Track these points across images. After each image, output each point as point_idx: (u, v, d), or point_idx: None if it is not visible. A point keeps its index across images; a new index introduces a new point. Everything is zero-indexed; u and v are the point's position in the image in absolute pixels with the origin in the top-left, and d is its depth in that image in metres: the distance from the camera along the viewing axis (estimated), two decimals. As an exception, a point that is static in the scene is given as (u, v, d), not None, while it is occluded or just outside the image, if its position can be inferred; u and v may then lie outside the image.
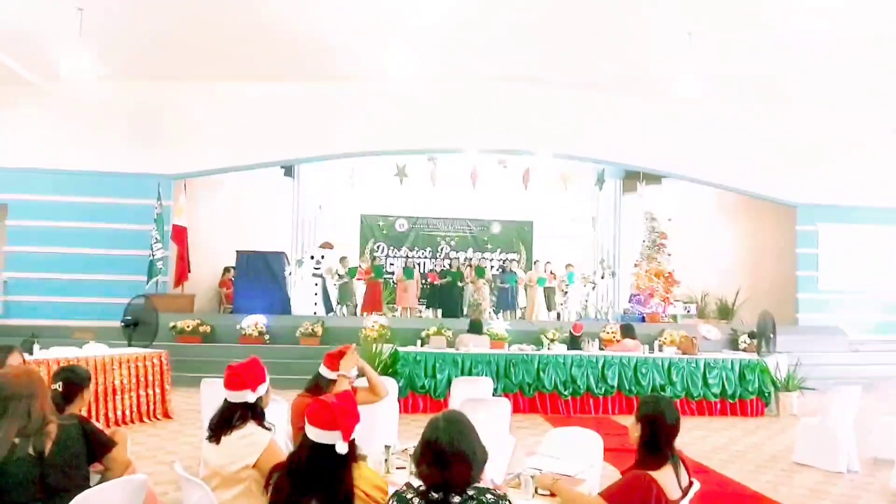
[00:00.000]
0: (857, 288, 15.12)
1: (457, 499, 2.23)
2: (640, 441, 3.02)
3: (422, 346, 10.36)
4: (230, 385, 3.13)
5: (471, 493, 2.25)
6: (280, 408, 4.93)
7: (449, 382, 8.64)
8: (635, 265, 16.39)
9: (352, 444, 2.45)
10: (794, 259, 15.51)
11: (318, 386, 3.89)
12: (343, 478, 2.40)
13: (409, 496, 2.29)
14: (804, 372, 10.32)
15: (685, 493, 3.00)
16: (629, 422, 3.12)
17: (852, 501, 5.58)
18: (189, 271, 14.05)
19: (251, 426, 3.08)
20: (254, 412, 3.13)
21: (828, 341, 13.84)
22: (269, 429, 3.14)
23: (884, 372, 13.02)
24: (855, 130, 15.09)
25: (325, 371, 3.93)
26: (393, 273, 17.00)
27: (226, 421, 3.08)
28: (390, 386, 6.77)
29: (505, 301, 15.44)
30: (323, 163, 16.67)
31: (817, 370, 11.32)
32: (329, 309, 14.72)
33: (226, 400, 3.15)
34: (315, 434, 2.39)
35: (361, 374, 4.20)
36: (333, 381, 3.87)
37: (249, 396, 3.11)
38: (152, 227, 13.28)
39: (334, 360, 3.93)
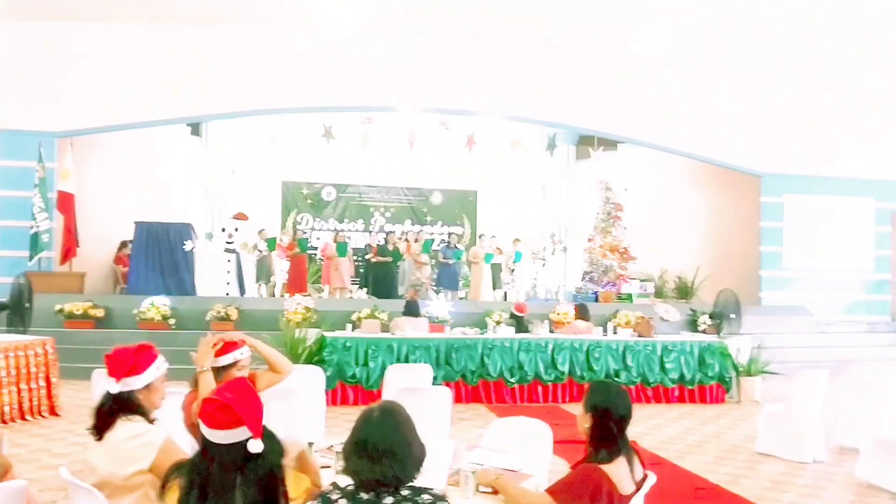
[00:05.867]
0: (823, 265, 15.74)
1: (389, 499, 2.22)
2: (590, 432, 3.08)
3: (353, 330, 10.32)
4: (107, 371, 3.03)
5: (405, 492, 2.24)
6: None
7: (383, 371, 8.64)
8: (588, 240, 16.66)
9: (270, 441, 2.35)
10: (757, 233, 16.03)
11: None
12: (277, 486, 2.28)
13: (334, 497, 2.27)
14: (767, 355, 10.71)
15: (639, 486, 3.09)
16: (577, 411, 3.18)
17: (817, 493, 5.85)
18: (78, 245, 13.56)
19: (140, 424, 2.96)
20: (124, 407, 2.97)
21: (793, 322, 14.42)
22: (152, 421, 3.02)
23: (851, 354, 13.63)
24: (824, 95, 15.60)
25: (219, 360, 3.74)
26: (317, 248, 16.83)
27: (100, 414, 2.97)
28: (316, 375, 6.76)
29: (447, 279, 15.50)
30: (237, 120, 16.27)
31: (781, 353, 11.78)
32: (242, 291, 14.50)
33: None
34: (218, 437, 2.24)
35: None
36: (225, 369, 3.67)
37: (112, 387, 2.98)
38: (34, 194, 12.74)
39: (225, 346, 3.75)
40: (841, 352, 13.61)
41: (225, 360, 3.67)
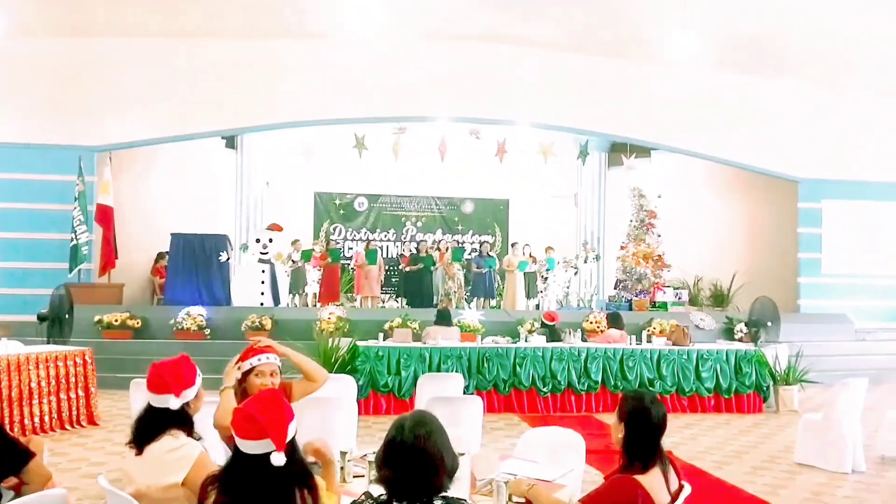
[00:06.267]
0: (864, 271, 15.41)
1: (422, 509, 2.22)
2: (624, 442, 3.05)
3: (384, 339, 10.34)
4: (152, 387, 3.05)
5: (438, 503, 2.24)
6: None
7: (415, 380, 8.65)
8: (621, 247, 16.54)
9: (295, 456, 2.36)
10: (795, 240, 15.78)
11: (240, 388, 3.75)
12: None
13: (367, 506, 2.28)
14: (806, 363, 10.52)
15: (675, 497, 3.04)
16: (611, 420, 3.16)
17: (858, 504, 5.74)
18: (116, 257, 13.80)
19: (180, 437, 3.01)
20: (179, 421, 3.04)
21: (832, 330, 14.13)
22: (199, 439, 3.08)
23: (893, 363, 13.35)
24: (863, 98, 15.34)
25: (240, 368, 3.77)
26: (351, 258, 16.95)
27: (147, 429, 3.01)
28: (349, 384, 6.78)
29: (482, 288, 15.50)
30: (270, 133, 16.45)
31: (820, 361, 11.57)
32: (276, 301, 14.63)
33: (148, 403, 3.08)
34: (246, 446, 2.30)
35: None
36: (246, 376, 3.70)
37: (172, 402, 3.02)
38: (74, 207, 13.01)
39: (244, 354, 3.77)
40: (882, 360, 13.35)
41: (243, 366, 3.69)
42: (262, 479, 2.27)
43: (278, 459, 2.24)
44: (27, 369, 7.66)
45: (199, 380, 3.17)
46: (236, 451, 2.32)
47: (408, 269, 15.59)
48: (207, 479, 2.46)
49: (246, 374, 3.68)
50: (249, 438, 2.27)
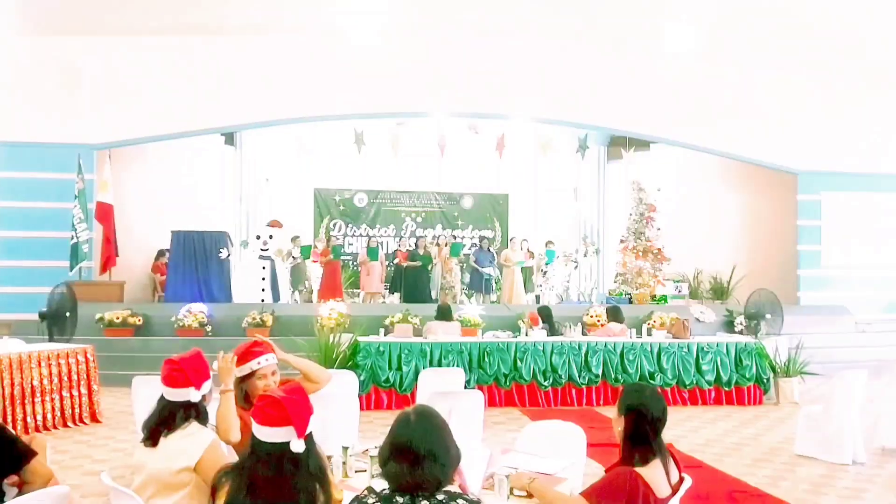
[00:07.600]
0: (863, 263, 15.43)
1: (425, 503, 2.23)
2: (625, 435, 3.07)
3: (385, 335, 10.36)
4: (170, 382, 3.08)
5: (441, 497, 2.24)
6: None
7: (416, 375, 8.67)
8: (621, 241, 16.54)
9: (312, 447, 2.39)
10: (794, 232, 15.78)
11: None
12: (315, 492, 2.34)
13: (369, 501, 2.28)
14: (806, 355, 10.53)
15: (675, 489, 3.06)
16: (612, 414, 3.17)
17: (858, 495, 5.74)
18: (117, 255, 13.80)
19: (193, 425, 3.07)
20: (196, 412, 3.11)
21: (832, 322, 14.16)
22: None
23: (892, 354, 13.35)
24: (862, 91, 15.32)
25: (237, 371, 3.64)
26: (351, 255, 16.96)
27: (164, 422, 3.05)
28: (350, 380, 6.80)
29: (479, 283, 15.50)
30: (269, 129, 16.45)
31: (820, 353, 11.57)
32: (277, 297, 14.64)
33: (163, 398, 3.11)
34: (265, 434, 2.33)
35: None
36: (245, 380, 3.62)
37: (193, 395, 3.08)
38: (74, 205, 13.00)
39: (242, 356, 3.64)
40: (881, 351, 13.34)
41: (243, 370, 3.60)
42: (282, 470, 2.29)
43: (298, 446, 2.29)
44: (29, 367, 7.67)
45: (211, 373, 3.24)
46: (254, 443, 2.34)
47: (406, 264, 15.60)
48: (220, 472, 2.48)
49: (246, 376, 3.62)
50: (271, 425, 2.31)
